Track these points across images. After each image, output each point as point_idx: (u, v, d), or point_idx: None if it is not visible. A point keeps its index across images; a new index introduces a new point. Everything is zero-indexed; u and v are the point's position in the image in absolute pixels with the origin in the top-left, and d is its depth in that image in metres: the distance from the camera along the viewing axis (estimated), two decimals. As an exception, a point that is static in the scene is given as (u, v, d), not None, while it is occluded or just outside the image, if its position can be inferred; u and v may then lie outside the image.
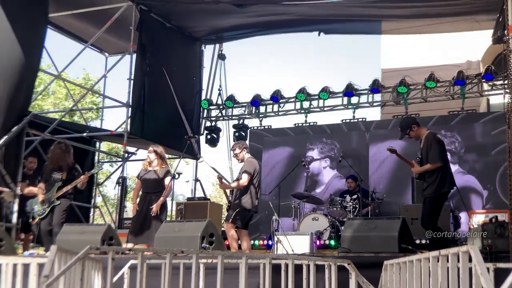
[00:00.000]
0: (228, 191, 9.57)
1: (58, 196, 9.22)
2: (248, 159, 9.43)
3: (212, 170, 10.40)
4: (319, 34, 14.31)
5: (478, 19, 12.32)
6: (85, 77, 26.34)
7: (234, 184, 9.50)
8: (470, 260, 3.30)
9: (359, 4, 12.65)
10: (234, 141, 14.18)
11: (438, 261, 3.71)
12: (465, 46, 14.27)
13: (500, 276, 4.83)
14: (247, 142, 14.53)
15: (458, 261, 3.45)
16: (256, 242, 11.80)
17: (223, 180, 9.77)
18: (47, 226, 9.26)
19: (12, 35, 8.51)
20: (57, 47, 24.55)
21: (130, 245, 9.24)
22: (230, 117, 15.42)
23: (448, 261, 3.56)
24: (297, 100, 14.31)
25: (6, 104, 8.60)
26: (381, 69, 14.56)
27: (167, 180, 9.64)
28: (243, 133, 14.89)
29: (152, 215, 9.35)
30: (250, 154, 9.68)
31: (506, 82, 11.44)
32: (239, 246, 9.35)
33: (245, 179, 9.16)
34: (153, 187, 9.63)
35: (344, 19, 13.94)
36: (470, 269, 3.30)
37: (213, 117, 15.62)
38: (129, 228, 10.08)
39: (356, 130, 13.67)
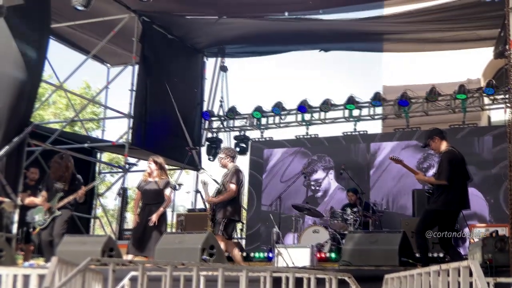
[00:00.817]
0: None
1: (59, 207, 9.23)
2: (233, 169, 9.38)
3: (213, 181, 10.38)
4: (319, 51, 14.46)
5: (480, 34, 12.40)
6: (85, 86, 26.33)
7: (221, 197, 9.45)
8: (470, 274, 3.30)
9: (360, 29, 12.82)
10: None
11: (439, 276, 3.70)
12: (465, 64, 14.33)
13: (501, 291, 4.83)
14: (248, 154, 14.58)
15: (459, 275, 3.45)
16: (257, 254, 11.79)
17: (210, 194, 9.76)
18: (48, 236, 9.25)
19: (14, 46, 8.54)
20: (59, 57, 24.48)
21: (130, 257, 9.22)
22: (232, 129, 15.44)
23: (448, 276, 3.56)
24: (298, 112, 14.34)
25: (7, 115, 8.61)
26: (382, 85, 14.60)
27: (167, 191, 9.64)
28: (244, 145, 14.90)
29: (151, 225, 9.35)
30: (236, 163, 9.62)
31: (507, 96, 11.49)
32: (229, 258, 9.38)
33: (231, 191, 9.18)
34: (153, 198, 9.62)
35: (345, 39, 14.10)
36: (471, 283, 3.30)
37: (214, 128, 15.65)
38: (129, 239, 10.07)
39: (357, 142, 13.68)
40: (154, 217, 9.35)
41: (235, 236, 11.65)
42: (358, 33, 13.59)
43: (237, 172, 9.35)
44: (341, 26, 13.51)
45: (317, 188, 13.67)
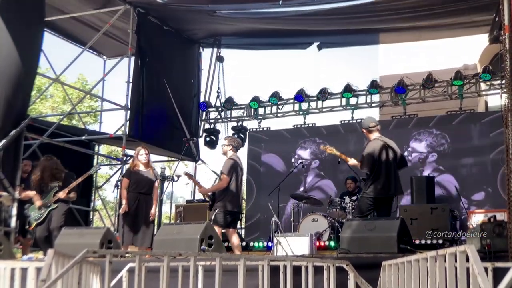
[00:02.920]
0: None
1: (56, 200, 9.22)
2: (228, 159, 9.34)
3: (212, 172, 10.39)
4: (319, 49, 14.48)
5: (474, 19, 12.36)
6: (80, 77, 26.26)
7: (211, 188, 9.52)
8: (467, 260, 3.30)
9: (355, 17, 12.78)
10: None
11: (436, 261, 3.70)
12: (461, 50, 14.33)
13: (499, 276, 4.83)
14: (246, 144, 14.56)
15: (456, 261, 3.45)
16: (256, 244, 11.80)
17: (201, 185, 9.76)
18: (43, 232, 9.23)
19: (9, 38, 8.50)
20: (55, 50, 24.47)
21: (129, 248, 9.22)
22: (229, 119, 15.43)
23: (445, 261, 3.56)
24: (295, 101, 14.33)
25: (4, 108, 8.59)
26: (379, 76, 14.60)
27: (156, 183, 9.69)
28: (242, 135, 14.89)
29: (145, 216, 9.36)
30: (235, 153, 9.55)
31: (503, 81, 11.46)
32: (228, 248, 9.39)
33: (222, 181, 9.18)
34: (148, 188, 9.58)
35: (341, 31, 14.10)
36: (468, 268, 3.30)
37: (211, 119, 15.63)
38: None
39: (355, 131, 13.66)
40: (153, 212, 9.45)
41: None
42: (353, 29, 13.65)
43: (230, 162, 9.27)
44: (337, 23, 13.54)
45: (315, 178, 13.71)
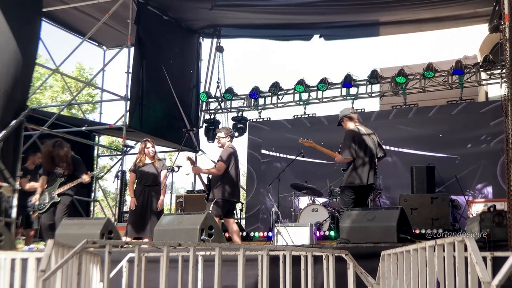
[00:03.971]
0: (205, 180, 9.52)
1: (59, 193, 9.22)
2: (226, 147, 9.32)
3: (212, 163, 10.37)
4: (320, 37, 14.47)
5: (475, 10, 12.36)
6: (78, 67, 26.22)
7: (206, 169, 9.49)
8: (466, 249, 3.30)
9: (357, 5, 12.75)
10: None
11: (434, 251, 3.71)
12: (461, 41, 14.35)
13: (498, 265, 4.82)
14: (246, 134, 14.57)
15: (454, 250, 3.45)
16: (256, 234, 11.83)
17: (196, 164, 9.76)
18: (48, 220, 9.25)
19: (7, 29, 8.48)
20: (55, 41, 24.49)
21: (129, 239, 9.25)
22: (229, 110, 15.43)
23: (444, 251, 3.56)
24: (295, 91, 14.32)
25: (3, 99, 8.56)
26: (379, 68, 14.59)
27: (163, 173, 9.72)
28: (242, 125, 14.90)
29: (152, 208, 9.41)
30: (231, 144, 9.56)
31: (503, 71, 11.46)
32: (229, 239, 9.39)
33: (218, 167, 9.14)
34: (153, 180, 9.66)
35: (342, 25, 14.08)
36: (467, 258, 3.30)
37: (212, 109, 15.63)
38: (127, 221, 10.08)
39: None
40: (160, 205, 9.54)
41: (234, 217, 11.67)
42: (354, 18, 13.61)
43: (228, 150, 9.27)
44: (338, 12, 13.51)
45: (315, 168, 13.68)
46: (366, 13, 13.23)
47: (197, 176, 14.65)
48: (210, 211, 8.82)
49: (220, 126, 14.85)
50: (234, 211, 9.80)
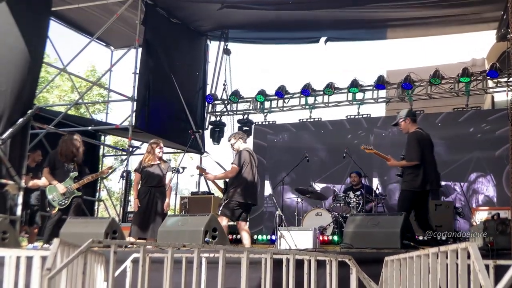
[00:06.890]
0: (221, 185, 9.55)
1: (78, 188, 9.30)
2: (242, 150, 9.35)
3: (217, 164, 10.41)
4: (325, 43, 14.44)
5: (483, 14, 12.33)
6: (91, 68, 26.35)
7: (219, 175, 9.52)
8: (469, 257, 3.32)
9: (363, 11, 12.72)
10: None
11: (437, 258, 3.72)
12: (469, 44, 14.37)
13: (501, 273, 4.82)
14: (251, 137, 14.58)
15: (457, 257, 3.46)
16: (260, 237, 11.85)
17: (208, 172, 9.78)
18: (65, 215, 9.26)
19: (15, 28, 8.52)
20: (63, 40, 24.53)
21: (132, 239, 9.27)
22: (235, 112, 15.45)
23: (447, 258, 3.58)
24: (302, 95, 14.34)
25: (11, 97, 8.61)
26: (386, 71, 14.59)
27: (169, 175, 9.74)
28: (248, 128, 14.92)
29: (160, 210, 9.45)
30: (245, 145, 9.59)
31: (510, 79, 11.46)
32: (236, 240, 9.38)
33: (231, 169, 9.19)
34: (158, 182, 9.69)
35: (350, 25, 14.03)
36: (469, 265, 3.31)
37: (218, 112, 15.66)
38: (132, 221, 10.10)
39: (360, 126, 13.67)
40: (166, 207, 9.61)
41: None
42: (361, 20, 13.56)
43: (240, 152, 9.32)
44: (345, 14, 13.48)
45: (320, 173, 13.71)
46: (373, 10, 13.14)
47: (202, 179, 14.84)
48: (219, 211, 8.87)
49: (230, 133, 14.86)
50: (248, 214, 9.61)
